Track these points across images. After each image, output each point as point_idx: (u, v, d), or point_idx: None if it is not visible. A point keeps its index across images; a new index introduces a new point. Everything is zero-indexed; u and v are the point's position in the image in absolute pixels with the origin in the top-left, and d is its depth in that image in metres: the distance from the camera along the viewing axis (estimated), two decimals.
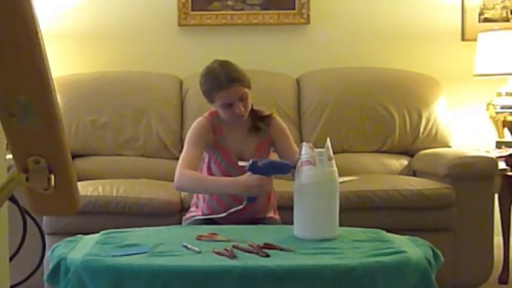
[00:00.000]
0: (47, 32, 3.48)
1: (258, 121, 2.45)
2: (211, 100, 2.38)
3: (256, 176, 2.17)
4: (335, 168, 2.06)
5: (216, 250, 1.89)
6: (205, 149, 2.43)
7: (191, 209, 2.59)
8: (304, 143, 2.07)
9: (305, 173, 2.02)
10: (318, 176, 2.02)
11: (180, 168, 2.33)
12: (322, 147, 2.05)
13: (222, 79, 2.30)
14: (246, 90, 2.34)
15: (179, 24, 3.74)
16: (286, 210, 2.66)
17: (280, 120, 2.53)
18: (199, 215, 2.50)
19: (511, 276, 3.19)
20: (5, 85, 0.92)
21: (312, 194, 2.04)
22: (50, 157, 0.99)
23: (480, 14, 3.79)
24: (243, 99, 2.33)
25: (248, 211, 2.34)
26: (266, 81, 3.50)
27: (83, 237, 2.12)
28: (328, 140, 2.06)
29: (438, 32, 3.78)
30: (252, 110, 2.44)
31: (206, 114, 2.47)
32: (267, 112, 2.49)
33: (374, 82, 3.54)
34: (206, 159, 2.46)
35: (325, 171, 2.03)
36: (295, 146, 2.48)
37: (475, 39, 3.57)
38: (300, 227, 2.06)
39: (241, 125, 2.44)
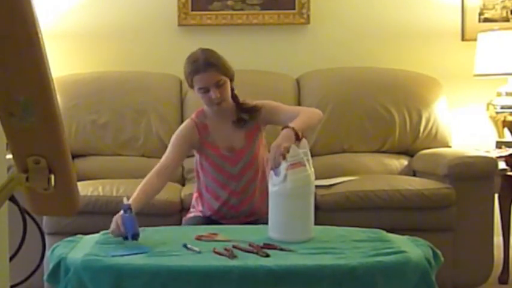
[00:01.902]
0: (47, 32, 3.48)
1: (242, 113, 2.46)
2: (191, 85, 2.42)
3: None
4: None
5: (216, 250, 1.89)
6: (192, 150, 2.50)
7: (191, 209, 2.59)
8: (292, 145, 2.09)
9: (297, 175, 2.03)
10: (310, 176, 2.06)
11: (154, 169, 2.39)
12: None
13: (200, 63, 2.35)
14: (224, 77, 2.37)
15: (179, 24, 3.74)
16: None
17: (268, 104, 2.50)
18: (199, 215, 2.51)
19: (511, 276, 3.19)
20: (5, 85, 0.92)
21: (303, 195, 2.06)
22: (50, 157, 0.99)
23: (480, 14, 3.79)
24: (219, 85, 2.36)
25: (240, 211, 2.44)
26: (266, 81, 3.50)
27: (83, 237, 2.12)
28: (305, 140, 2.14)
29: (438, 32, 3.78)
30: (238, 102, 2.47)
31: (193, 114, 2.52)
32: (252, 103, 2.49)
33: (374, 82, 3.54)
34: (198, 159, 2.51)
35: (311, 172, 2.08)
36: (293, 108, 2.58)
37: (475, 39, 3.57)
38: (290, 230, 2.06)
39: (227, 119, 2.47)
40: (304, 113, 2.37)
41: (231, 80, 2.43)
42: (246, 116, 2.46)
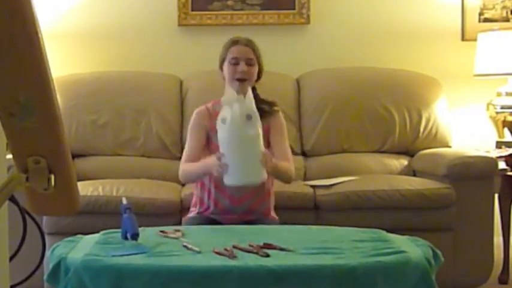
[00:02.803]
0: (47, 32, 3.48)
1: (259, 103, 2.48)
2: (223, 58, 2.54)
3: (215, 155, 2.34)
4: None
5: (216, 250, 1.89)
6: (205, 134, 2.55)
7: (191, 209, 2.59)
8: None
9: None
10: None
11: (181, 165, 2.53)
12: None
13: (242, 38, 2.58)
14: (255, 60, 2.55)
15: (179, 24, 3.74)
16: (284, 210, 2.66)
17: (282, 117, 2.64)
18: (199, 215, 2.51)
19: (511, 276, 3.19)
20: (5, 85, 0.92)
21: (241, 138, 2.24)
22: (50, 157, 0.99)
23: (480, 14, 3.79)
24: (249, 63, 2.52)
25: (239, 206, 2.45)
26: (266, 81, 3.48)
27: (83, 237, 2.12)
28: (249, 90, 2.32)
29: (438, 32, 3.78)
30: (256, 95, 2.50)
31: (209, 102, 2.61)
32: (270, 99, 2.61)
33: (374, 82, 3.54)
34: (205, 145, 2.55)
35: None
36: (287, 146, 2.59)
37: (475, 39, 3.57)
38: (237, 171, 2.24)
39: None
40: (288, 165, 2.51)
41: (259, 72, 2.57)
42: (263, 105, 2.53)
